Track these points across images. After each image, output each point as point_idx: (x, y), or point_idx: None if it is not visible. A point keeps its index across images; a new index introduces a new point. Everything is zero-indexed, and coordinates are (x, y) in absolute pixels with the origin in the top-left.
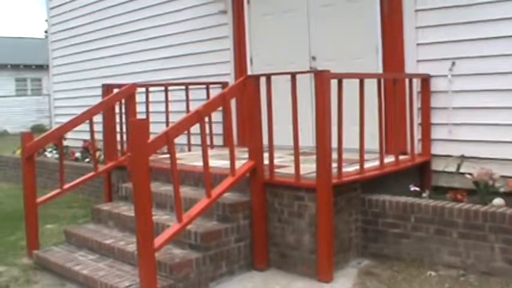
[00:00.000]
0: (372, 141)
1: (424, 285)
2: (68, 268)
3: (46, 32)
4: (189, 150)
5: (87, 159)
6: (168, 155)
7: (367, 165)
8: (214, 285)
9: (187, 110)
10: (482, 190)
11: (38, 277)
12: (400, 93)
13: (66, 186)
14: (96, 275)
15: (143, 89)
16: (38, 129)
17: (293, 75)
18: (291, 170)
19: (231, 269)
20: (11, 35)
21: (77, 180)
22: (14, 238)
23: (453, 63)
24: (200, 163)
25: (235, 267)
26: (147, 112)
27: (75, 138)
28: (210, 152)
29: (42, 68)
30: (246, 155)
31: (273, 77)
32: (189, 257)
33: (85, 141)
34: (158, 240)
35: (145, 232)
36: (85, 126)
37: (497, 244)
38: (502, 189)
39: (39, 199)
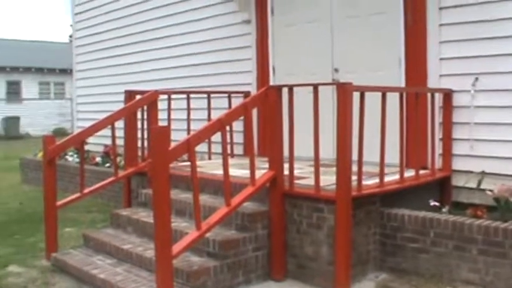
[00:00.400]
0: (393, 155)
1: None
2: (86, 271)
3: (70, 36)
4: (209, 158)
5: (107, 164)
6: (188, 163)
7: (387, 178)
8: None
9: (209, 118)
10: (503, 207)
11: (55, 279)
12: (422, 108)
13: (86, 190)
14: (113, 280)
15: (165, 96)
16: (59, 132)
17: (315, 87)
18: (311, 182)
19: (248, 278)
20: (36, 39)
21: (97, 185)
22: (33, 240)
23: (476, 79)
24: (220, 172)
25: (252, 277)
26: (169, 119)
27: (96, 143)
28: (231, 161)
29: (66, 72)
30: (266, 165)
31: (294, 88)
32: (207, 264)
33: (106, 146)
34: (176, 247)
35: (164, 239)
36: (107, 132)
37: None
38: None
39: (59, 202)
